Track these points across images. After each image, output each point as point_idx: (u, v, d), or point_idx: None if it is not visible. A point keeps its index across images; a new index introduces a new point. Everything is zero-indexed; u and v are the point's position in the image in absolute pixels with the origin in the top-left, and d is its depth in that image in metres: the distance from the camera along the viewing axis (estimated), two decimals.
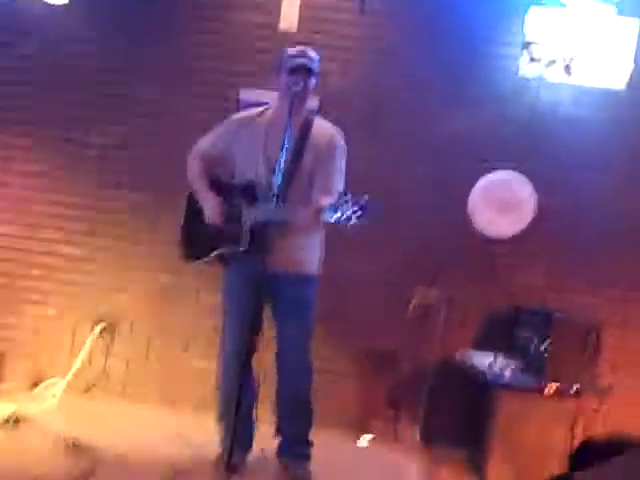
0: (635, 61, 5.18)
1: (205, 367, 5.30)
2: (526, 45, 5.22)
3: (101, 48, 5.57)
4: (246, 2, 5.55)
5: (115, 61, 5.58)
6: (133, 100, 5.58)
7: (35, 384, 5.41)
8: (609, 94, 5.28)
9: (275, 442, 4.41)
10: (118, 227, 5.58)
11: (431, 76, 5.39)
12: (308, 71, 4.11)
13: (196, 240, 4.39)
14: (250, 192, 4.12)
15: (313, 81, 4.17)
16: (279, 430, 4.42)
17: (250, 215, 4.07)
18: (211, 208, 4.24)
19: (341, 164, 4.24)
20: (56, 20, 5.47)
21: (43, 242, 5.60)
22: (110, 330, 5.49)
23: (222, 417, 4.42)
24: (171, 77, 5.57)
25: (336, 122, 4.32)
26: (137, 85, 5.58)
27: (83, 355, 5.42)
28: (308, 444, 4.37)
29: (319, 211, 3.74)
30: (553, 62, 5.20)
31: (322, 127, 4.27)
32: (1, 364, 5.47)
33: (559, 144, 5.35)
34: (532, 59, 5.22)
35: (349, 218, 3.54)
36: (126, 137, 5.57)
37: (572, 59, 5.18)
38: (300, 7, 5.41)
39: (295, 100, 4.03)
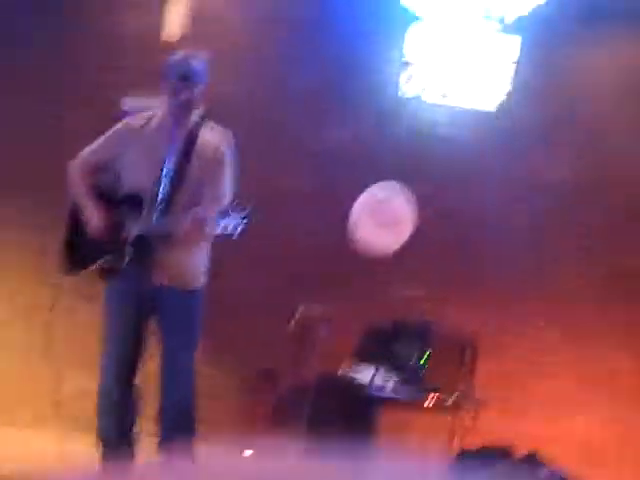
0: (513, 82, 5.37)
1: None
2: (405, 65, 5.33)
3: None
4: (128, 6, 5.48)
5: None
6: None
7: None
8: (482, 115, 5.47)
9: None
10: None
11: (314, 88, 5.43)
12: (193, 79, 4.01)
13: (78, 252, 4.21)
14: (135, 203, 4.01)
15: (199, 88, 4.04)
16: (161, 446, 4.28)
17: (133, 227, 3.97)
18: (92, 219, 4.08)
19: (230, 171, 4.16)
20: None
21: None
22: None
23: (102, 437, 4.26)
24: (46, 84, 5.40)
25: None
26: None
27: None
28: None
29: (202, 221, 3.72)
30: (429, 84, 5.31)
31: (209, 135, 4.15)
32: None
33: (435, 162, 5.49)
34: (409, 79, 5.30)
35: (234, 228, 3.55)
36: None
37: (448, 82, 5.30)
38: (186, 16, 5.35)
39: (180, 108, 3.97)
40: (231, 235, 3.64)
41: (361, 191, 5.35)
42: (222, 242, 3.72)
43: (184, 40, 5.33)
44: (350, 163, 5.46)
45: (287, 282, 5.39)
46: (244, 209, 3.59)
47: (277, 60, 5.47)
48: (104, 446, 4.28)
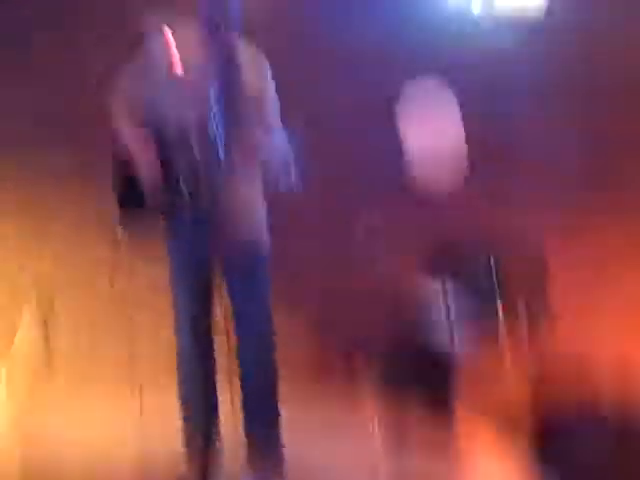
0: None
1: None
2: None
3: None
4: None
5: None
6: None
7: None
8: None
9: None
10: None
11: None
12: None
13: (136, 189, 3.92)
14: (182, 139, 3.77)
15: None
16: (245, 404, 4.13)
17: (189, 163, 3.75)
18: (146, 163, 3.82)
19: (273, 91, 3.95)
20: None
21: None
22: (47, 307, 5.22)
23: (185, 398, 4.17)
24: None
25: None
26: None
27: (21, 337, 5.17)
28: (277, 415, 4.13)
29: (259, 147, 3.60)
30: None
31: (246, 53, 3.88)
32: None
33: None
34: None
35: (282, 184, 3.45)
36: None
37: None
38: None
39: (212, 26, 3.72)
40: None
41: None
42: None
43: None
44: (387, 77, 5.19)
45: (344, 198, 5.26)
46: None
47: None
48: (188, 411, 4.19)
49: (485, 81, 5.29)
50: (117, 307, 5.18)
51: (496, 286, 4.76)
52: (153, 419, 4.43)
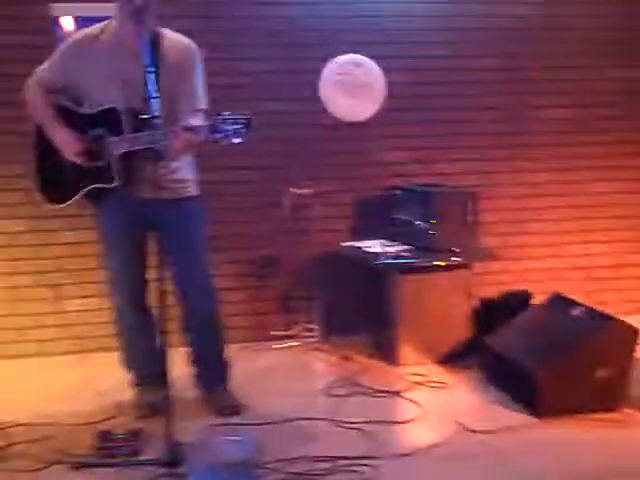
0: None
1: (83, 308, 5.15)
2: None
3: None
4: None
5: None
6: None
7: None
8: None
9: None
10: None
11: None
12: None
13: (57, 181, 3.97)
14: (111, 120, 3.72)
15: None
16: (193, 359, 4.23)
17: (118, 145, 3.71)
18: (68, 144, 3.81)
19: (201, 75, 3.92)
20: None
21: None
22: None
23: (128, 362, 4.24)
24: None
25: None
26: None
27: None
28: (226, 367, 4.24)
29: (195, 132, 3.51)
30: None
31: (173, 39, 3.88)
32: None
33: (396, 19, 5.35)
34: None
35: (230, 136, 3.36)
36: None
37: None
38: None
39: (137, 13, 3.61)
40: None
41: (324, 66, 5.24)
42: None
43: None
44: (312, 34, 5.26)
45: (273, 169, 5.27)
46: (238, 119, 3.36)
47: None
48: (134, 375, 4.25)
49: None
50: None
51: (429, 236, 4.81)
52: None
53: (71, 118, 3.88)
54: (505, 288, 5.13)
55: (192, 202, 4.03)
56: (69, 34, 4.72)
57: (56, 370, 4.85)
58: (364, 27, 5.29)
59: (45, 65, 3.95)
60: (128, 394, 4.22)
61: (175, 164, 3.86)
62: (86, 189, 3.89)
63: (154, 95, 3.39)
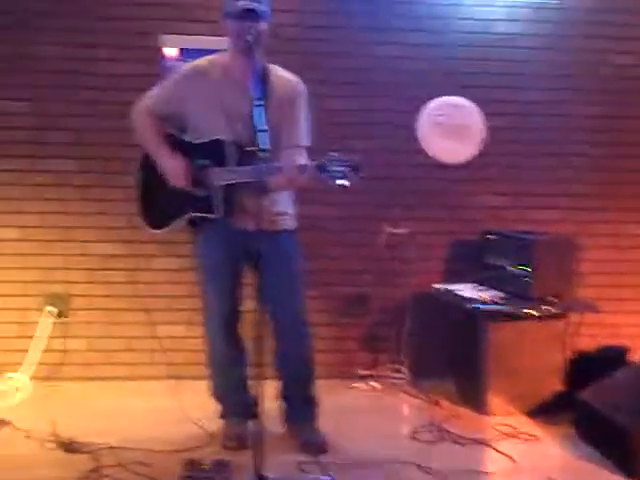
0: None
1: (173, 334, 5.18)
2: None
3: None
4: None
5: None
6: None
7: None
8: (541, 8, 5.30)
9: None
10: (47, 202, 5.13)
11: (361, 3, 5.22)
12: (257, 15, 3.71)
13: (159, 206, 4.06)
14: (216, 151, 3.78)
15: (264, 25, 3.76)
16: (282, 394, 4.23)
17: (221, 176, 3.77)
18: (175, 169, 3.87)
19: (306, 113, 3.97)
20: None
21: None
22: (63, 309, 5.12)
23: (218, 392, 4.26)
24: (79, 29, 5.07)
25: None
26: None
27: (39, 341, 5.03)
28: (315, 403, 4.22)
29: (301, 170, 3.54)
30: None
31: (281, 76, 3.94)
32: None
33: (497, 63, 5.33)
34: None
35: (336, 177, 3.36)
36: (39, 100, 5.08)
37: None
38: None
39: (246, 48, 3.69)
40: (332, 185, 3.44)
41: (422, 106, 5.24)
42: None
43: None
44: (405, 79, 5.28)
45: (369, 207, 5.27)
46: (346, 160, 3.38)
47: None
48: (223, 406, 4.26)
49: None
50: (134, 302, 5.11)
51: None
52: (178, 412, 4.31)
53: (176, 146, 3.94)
54: (600, 341, 5.02)
55: (290, 235, 4.05)
56: (175, 65, 4.83)
57: (146, 395, 4.89)
58: (466, 70, 5.28)
59: (154, 92, 4.05)
60: (216, 424, 4.23)
61: (276, 197, 3.89)
62: (187, 216, 3.94)
63: (261, 128, 3.40)
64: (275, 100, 3.81)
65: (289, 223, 4.04)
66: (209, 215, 3.86)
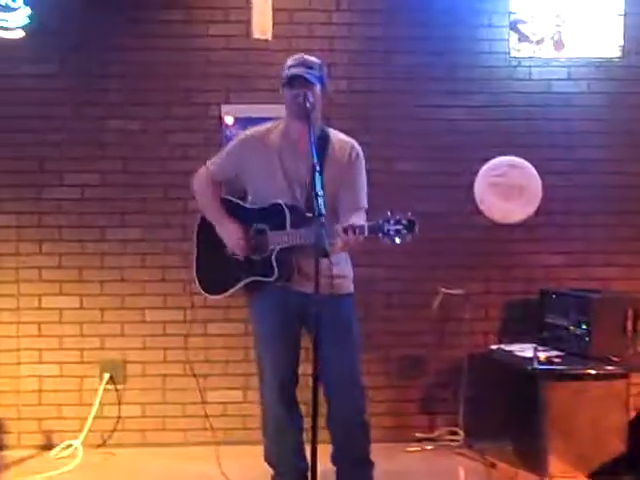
0: (624, 27, 5.12)
1: (226, 400, 5.19)
2: (513, 24, 5.08)
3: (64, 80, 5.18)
4: (215, 14, 5.22)
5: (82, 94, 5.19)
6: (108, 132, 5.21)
7: (46, 447, 5.07)
8: (601, 65, 5.24)
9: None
10: (105, 270, 5.21)
11: (421, 67, 5.24)
12: (305, 81, 3.78)
13: (216, 271, 4.09)
14: (275, 215, 3.82)
15: (316, 89, 3.82)
16: (335, 458, 4.13)
17: (279, 240, 3.80)
18: (234, 238, 3.93)
19: (364, 176, 4.00)
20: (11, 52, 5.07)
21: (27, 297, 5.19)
22: (119, 377, 5.16)
23: (272, 457, 4.17)
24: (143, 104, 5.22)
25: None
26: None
27: (95, 409, 5.07)
28: (370, 466, 4.12)
29: (358, 232, 3.52)
30: (542, 38, 5.09)
31: (339, 139, 3.99)
32: (2, 430, 5.09)
33: (555, 122, 5.29)
34: (521, 38, 5.08)
35: (393, 236, 3.37)
36: (108, 173, 5.21)
37: (560, 33, 5.08)
38: (273, 12, 5.13)
39: (303, 114, 3.71)
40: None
41: (480, 167, 5.20)
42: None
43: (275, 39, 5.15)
44: (469, 137, 5.27)
45: (423, 269, 5.22)
46: (400, 219, 3.40)
47: (377, 45, 5.26)
48: (277, 471, 4.18)
49: None
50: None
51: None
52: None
53: (234, 211, 4.01)
54: None
55: (348, 299, 4.02)
56: (236, 134, 4.92)
57: (199, 460, 4.86)
58: (521, 129, 5.26)
59: (215, 159, 4.14)
60: None
61: (333, 259, 3.83)
62: (245, 281, 3.96)
63: (320, 193, 3.38)
64: (334, 163, 3.87)
65: (347, 286, 4.02)
66: (265, 279, 3.87)
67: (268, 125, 4.05)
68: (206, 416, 4.80)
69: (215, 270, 4.11)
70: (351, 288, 4.05)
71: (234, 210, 4.02)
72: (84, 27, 5.11)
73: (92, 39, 5.13)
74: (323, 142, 3.89)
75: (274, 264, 3.82)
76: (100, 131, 5.18)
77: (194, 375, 4.64)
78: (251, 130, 4.11)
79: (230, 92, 5.21)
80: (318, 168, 3.47)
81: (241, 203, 4.03)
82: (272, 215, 3.84)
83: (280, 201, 3.82)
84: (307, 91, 3.76)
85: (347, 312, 4.00)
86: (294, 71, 3.79)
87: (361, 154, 4.00)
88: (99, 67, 5.16)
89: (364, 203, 3.95)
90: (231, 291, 4.03)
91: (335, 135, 4.00)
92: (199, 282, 4.17)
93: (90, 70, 5.15)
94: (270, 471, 4.19)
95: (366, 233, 3.48)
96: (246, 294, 4.09)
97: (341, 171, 3.89)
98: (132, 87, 5.18)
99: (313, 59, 3.88)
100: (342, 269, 3.97)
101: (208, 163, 4.14)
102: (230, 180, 4.07)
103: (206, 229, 4.10)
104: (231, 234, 3.95)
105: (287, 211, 3.79)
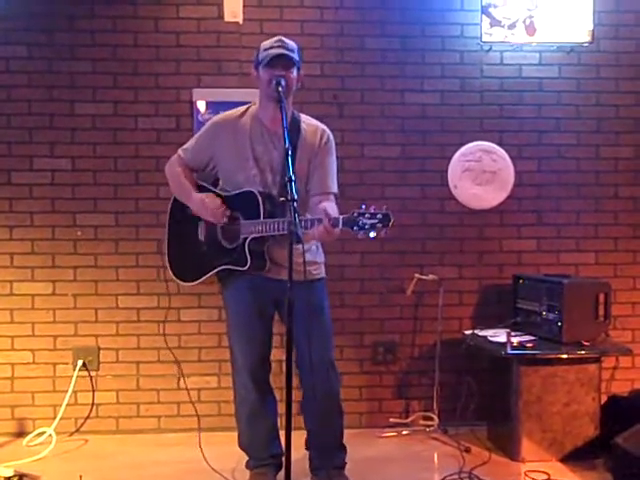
0: (593, 12, 5.13)
1: (200, 386, 5.17)
2: (485, 8, 5.06)
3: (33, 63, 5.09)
4: None
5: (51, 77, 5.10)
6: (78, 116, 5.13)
7: (19, 435, 5.05)
8: (572, 50, 5.25)
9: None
10: (77, 256, 5.15)
11: (393, 51, 5.21)
12: (287, 61, 3.76)
13: (189, 259, 4.10)
14: (248, 203, 3.80)
15: (295, 73, 3.81)
16: (310, 443, 4.18)
17: (251, 229, 3.78)
18: (211, 207, 3.87)
19: (334, 161, 4.00)
20: None
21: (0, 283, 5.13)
22: (92, 363, 5.12)
23: (246, 443, 4.20)
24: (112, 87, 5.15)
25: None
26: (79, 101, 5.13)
27: (68, 396, 5.03)
28: (343, 451, 4.16)
29: (333, 224, 3.46)
30: (514, 23, 5.08)
31: (310, 124, 3.98)
32: None
33: (527, 107, 5.30)
34: (493, 22, 5.07)
35: (367, 230, 3.33)
36: (75, 158, 5.13)
37: (532, 17, 5.07)
38: None
39: (277, 98, 3.66)
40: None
41: (453, 152, 5.21)
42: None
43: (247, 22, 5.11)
44: (441, 122, 5.26)
45: (396, 256, 5.22)
46: (376, 213, 3.35)
47: (349, 32, 5.21)
48: (251, 457, 4.19)
49: None
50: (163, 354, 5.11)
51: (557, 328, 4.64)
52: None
53: None
54: (635, 385, 4.90)
55: (320, 284, 4.03)
56: (207, 118, 4.89)
57: (174, 447, 4.87)
58: (493, 115, 5.26)
59: (187, 145, 4.12)
60: (244, 475, 4.17)
61: (306, 246, 3.83)
62: (217, 269, 3.95)
63: (293, 178, 3.35)
64: (305, 148, 3.87)
65: (319, 272, 4.03)
66: (238, 268, 3.86)
67: (240, 109, 4.02)
68: (181, 402, 4.87)
69: (187, 257, 4.11)
70: (323, 273, 4.06)
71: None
72: (53, 10, 5.04)
73: (61, 22, 5.06)
74: (294, 127, 3.87)
75: (247, 254, 3.80)
76: (70, 115, 5.11)
77: (177, 361, 4.68)
78: (222, 115, 4.08)
79: (201, 76, 5.14)
80: (290, 153, 3.44)
81: (213, 189, 4.01)
82: (246, 203, 3.82)
83: (254, 189, 3.80)
84: (284, 74, 3.73)
85: (319, 297, 4.01)
86: (276, 51, 3.75)
87: (332, 139, 4.00)
88: (68, 50, 5.08)
89: (334, 188, 3.95)
90: (203, 278, 4.03)
91: (306, 120, 3.99)
92: (171, 269, 4.17)
93: (59, 53, 5.07)
94: (245, 457, 4.20)
95: (340, 226, 3.43)
96: (219, 281, 4.10)
97: (312, 156, 3.89)
98: (102, 70, 5.10)
99: (291, 41, 3.85)
100: (314, 255, 3.99)
101: (180, 150, 4.12)
102: (202, 165, 4.05)
103: (178, 215, 4.11)
104: (205, 203, 3.90)
105: (261, 200, 3.77)
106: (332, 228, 3.47)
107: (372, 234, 3.34)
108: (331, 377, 4.05)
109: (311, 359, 3.89)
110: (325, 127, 4.01)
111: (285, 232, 3.47)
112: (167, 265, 4.19)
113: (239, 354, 4.07)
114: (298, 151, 3.80)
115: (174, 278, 4.18)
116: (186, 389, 4.75)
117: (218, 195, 3.95)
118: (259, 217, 3.75)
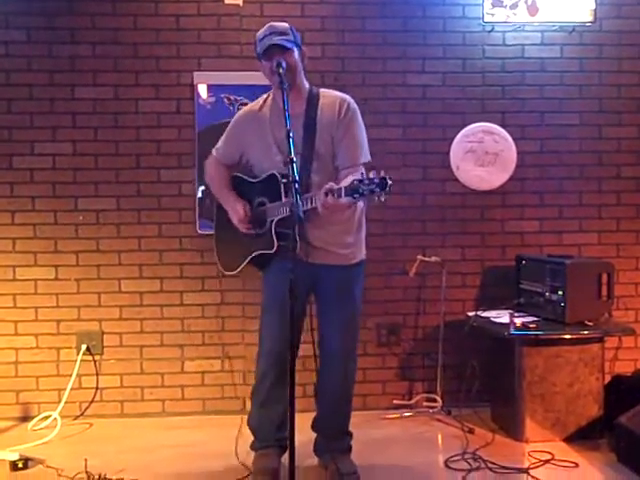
0: None
1: (205, 369, 5.16)
2: None
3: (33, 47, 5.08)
4: None
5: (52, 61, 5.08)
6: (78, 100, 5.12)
7: (24, 419, 5.06)
8: (574, 30, 5.22)
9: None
10: (82, 241, 5.15)
11: (394, 32, 5.19)
12: (282, 47, 3.72)
13: (231, 249, 4.16)
14: (271, 187, 3.80)
15: (294, 53, 3.76)
16: (317, 426, 4.20)
17: (273, 212, 3.79)
18: (236, 214, 3.96)
19: (359, 130, 3.90)
20: None
21: (1, 269, 5.12)
22: (96, 348, 5.12)
23: (258, 425, 4.17)
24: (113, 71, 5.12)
25: None
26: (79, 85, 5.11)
27: (72, 380, 5.04)
28: (349, 436, 4.17)
29: (337, 194, 3.35)
30: (516, 3, 5.05)
31: (327, 96, 3.91)
32: None
33: (529, 88, 5.28)
34: (495, 2, 5.04)
35: (368, 197, 3.26)
36: (76, 142, 5.12)
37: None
38: None
39: (283, 83, 3.61)
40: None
41: (455, 134, 5.20)
42: None
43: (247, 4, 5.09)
44: (443, 102, 5.24)
45: (399, 238, 5.22)
46: (373, 180, 3.21)
47: (351, 13, 5.19)
48: (257, 438, 4.19)
49: None
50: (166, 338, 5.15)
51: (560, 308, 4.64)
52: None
53: (241, 187, 4.07)
54: (639, 365, 4.90)
55: (354, 270, 4.00)
56: (209, 101, 4.94)
57: (177, 430, 4.88)
58: (495, 95, 5.24)
59: (219, 144, 4.19)
60: (248, 458, 4.17)
61: (335, 228, 3.83)
62: (251, 256, 3.98)
63: (294, 159, 3.33)
64: (324, 123, 3.82)
65: (353, 257, 3.98)
66: (267, 251, 3.86)
67: (260, 100, 4.04)
68: (185, 386, 4.87)
69: (229, 248, 4.19)
70: (359, 256, 4.03)
71: (242, 186, 4.07)
72: None
73: (61, 5, 5.04)
74: (313, 103, 3.85)
75: (274, 237, 3.80)
76: (70, 99, 5.09)
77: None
78: (244, 108, 4.16)
79: (202, 58, 5.13)
80: (292, 134, 3.41)
81: (246, 178, 4.06)
82: (270, 187, 3.83)
83: (275, 172, 3.80)
84: (281, 58, 3.69)
85: (351, 282, 3.98)
86: (267, 42, 3.73)
87: (354, 107, 3.90)
88: (68, 34, 5.06)
89: (361, 159, 3.85)
90: (241, 267, 4.06)
91: (325, 93, 3.94)
92: (219, 260, 4.28)
93: (60, 37, 5.05)
94: (250, 437, 4.20)
95: (343, 195, 3.33)
96: (257, 268, 4.10)
97: (333, 129, 3.83)
98: (102, 54, 5.09)
99: (282, 24, 3.81)
100: (343, 237, 3.92)
101: (213, 150, 4.20)
102: (236, 160, 4.11)
103: (222, 210, 4.15)
104: (234, 211, 3.99)
105: (281, 181, 3.75)
106: (333, 202, 3.38)
107: (375, 199, 3.19)
108: (349, 366, 4.07)
109: (331, 346, 3.96)
110: (345, 96, 3.93)
111: (292, 212, 3.42)
112: (216, 256, 4.28)
113: (267, 339, 4.05)
114: (318, 128, 3.78)
115: (221, 269, 4.26)
116: (230, 371, 4.83)
117: (248, 183, 4.00)
118: (281, 199, 3.75)
